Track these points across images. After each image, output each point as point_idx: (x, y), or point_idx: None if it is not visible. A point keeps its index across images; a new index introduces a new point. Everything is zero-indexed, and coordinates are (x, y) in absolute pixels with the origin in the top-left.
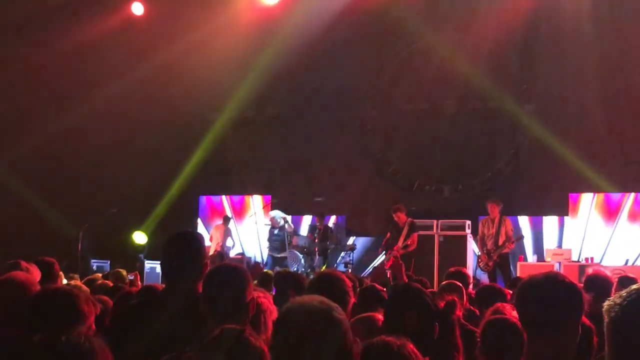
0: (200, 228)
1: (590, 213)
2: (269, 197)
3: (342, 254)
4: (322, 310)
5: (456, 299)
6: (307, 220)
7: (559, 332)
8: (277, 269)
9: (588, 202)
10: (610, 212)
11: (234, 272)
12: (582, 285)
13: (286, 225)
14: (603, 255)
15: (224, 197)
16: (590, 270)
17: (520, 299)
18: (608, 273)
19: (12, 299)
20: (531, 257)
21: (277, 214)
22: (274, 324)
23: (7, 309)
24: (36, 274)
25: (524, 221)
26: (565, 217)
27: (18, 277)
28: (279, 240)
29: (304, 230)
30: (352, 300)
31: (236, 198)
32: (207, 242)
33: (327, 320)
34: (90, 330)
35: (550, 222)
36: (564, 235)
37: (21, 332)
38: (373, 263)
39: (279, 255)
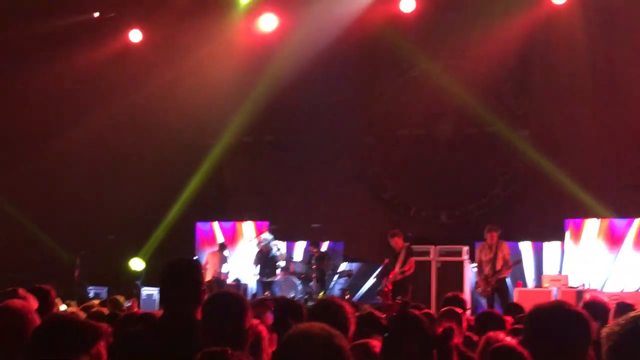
0: (198, 254)
1: (588, 239)
2: (264, 223)
3: (340, 279)
4: (325, 337)
5: (454, 325)
6: (301, 245)
7: None
8: (267, 294)
9: (588, 228)
10: (613, 238)
11: (233, 299)
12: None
13: (278, 251)
14: (605, 282)
15: (215, 223)
16: (587, 296)
17: (530, 330)
18: (605, 299)
19: (10, 327)
20: (531, 283)
21: (267, 237)
22: (276, 352)
23: (4, 337)
24: (33, 302)
25: (525, 246)
26: (566, 243)
27: (15, 306)
28: (270, 264)
29: (298, 255)
30: (353, 327)
31: (227, 225)
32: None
33: (329, 347)
34: (99, 357)
35: (550, 248)
36: (563, 261)
37: None
38: (365, 287)
39: (267, 280)
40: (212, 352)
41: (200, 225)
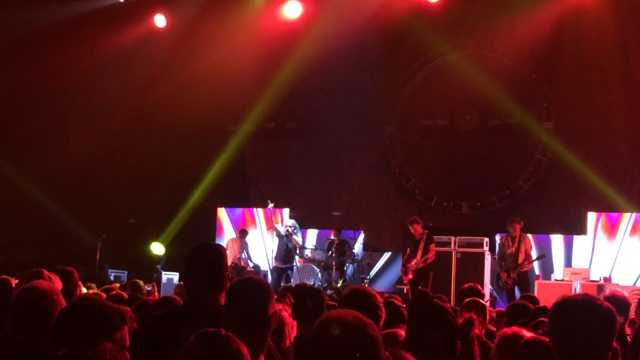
0: (219, 239)
1: (608, 232)
2: (284, 210)
3: (360, 268)
4: (357, 326)
5: (474, 316)
6: (321, 233)
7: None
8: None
9: (605, 221)
10: (629, 230)
11: (257, 285)
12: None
13: (292, 236)
14: (638, 278)
15: (236, 209)
16: (607, 291)
17: (556, 325)
18: (625, 293)
19: (36, 308)
20: (549, 276)
21: (289, 223)
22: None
23: (30, 317)
24: (58, 283)
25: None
26: (583, 236)
27: (41, 286)
28: (284, 250)
29: (318, 243)
30: (383, 316)
31: (248, 211)
32: None
33: (362, 336)
34: (123, 342)
35: (565, 241)
36: (576, 254)
37: (48, 343)
38: (394, 279)
39: (283, 266)
40: (206, 332)
41: (221, 211)
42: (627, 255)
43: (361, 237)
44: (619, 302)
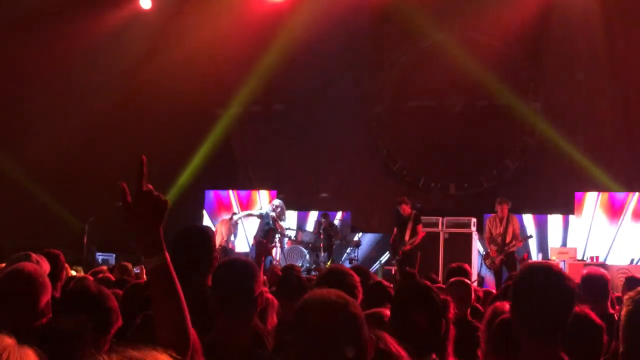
0: (206, 222)
1: (595, 212)
2: (272, 192)
3: (347, 250)
4: (340, 304)
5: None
6: (309, 215)
7: (558, 337)
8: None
9: (593, 200)
10: (615, 210)
11: (243, 266)
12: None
13: (278, 221)
14: (607, 255)
15: (231, 191)
16: (584, 271)
17: (516, 290)
18: (603, 270)
19: (22, 291)
20: (536, 256)
21: (276, 203)
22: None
23: (17, 301)
24: (45, 266)
25: (528, 219)
26: (570, 216)
27: (28, 269)
28: (264, 230)
29: (306, 225)
30: (361, 295)
31: (243, 193)
32: None
33: (345, 314)
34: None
35: (554, 221)
36: (568, 234)
37: (34, 326)
38: (382, 260)
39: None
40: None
41: (209, 194)
42: (626, 237)
43: (348, 218)
44: (597, 281)
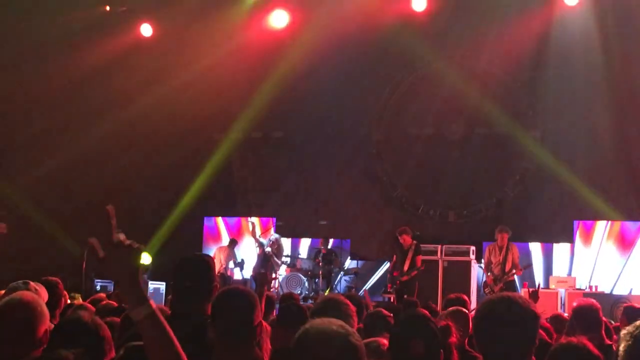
0: (206, 249)
1: (603, 241)
2: (270, 219)
3: (346, 277)
4: (342, 335)
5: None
6: (307, 242)
7: None
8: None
9: (598, 230)
10: (625, 240)
11: (243, 295)
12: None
13: (273, 257)
14: (614, 285)
15: (221, 219)
16: (574, 304)
17: (477, 326)
18: (592, 300)
19: (20, 320)
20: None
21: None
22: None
23: (15, 330)
24: (44, 294)
25: (534, 247)
26: (577, 245)
27: (26, 298)
28: (262, 259)
29: (304, 252)
30: (356, 325)
31: (232, 220)
32: None
33: (346, 345)
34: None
35: (561, 249)
36: (574, 263)
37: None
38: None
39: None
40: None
41: (207, 221)
42: (604, 262)
43: (346, 246)
44: (587, 311)
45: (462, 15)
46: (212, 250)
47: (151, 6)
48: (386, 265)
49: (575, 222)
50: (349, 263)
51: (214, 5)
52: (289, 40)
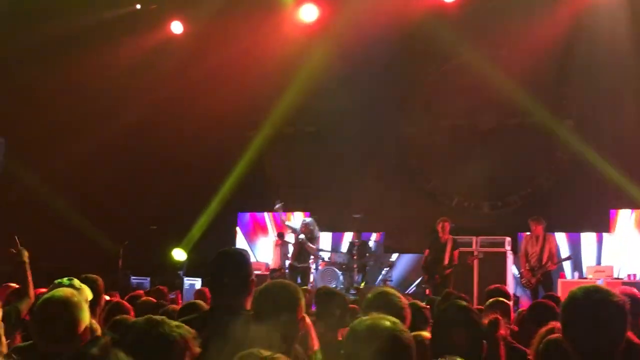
0: (240, 244)
1: (630, 229)
2: (305, 214)
3: (382, 270)
4: (393, 331)
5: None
6: (342, 236)
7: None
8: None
9: (627, 218)
10: None
11: (285, 290)
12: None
13: (306, 244)
14: None
15: (266, 214)
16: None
17: (570, 324)
18: (634, 290)
19: (61, 315)
20: (570, 275)
21: (307, 220)
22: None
23: (55, 327)
24: (87, 293)
25: (561, 238)
26: (604, 234)
27: (67, 295)
28: (299, 249)
29: (340, 246)
30: (409, 317)
31: (266, 215)
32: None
33: (397, 342)
34: None
35: (588, 239)
36: (602, 252)
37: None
38: (416, 282)
39: (298, 265)
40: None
41: (243, 216)
42: (634, 250)
43: (381, 239)
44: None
45: (492, 5)
46: (251, 246)
47: (181, 3)
48: (420, 258)
49: (612, 211)
50: (384, 256)
51: (243, 1)
52: (319, 34)
